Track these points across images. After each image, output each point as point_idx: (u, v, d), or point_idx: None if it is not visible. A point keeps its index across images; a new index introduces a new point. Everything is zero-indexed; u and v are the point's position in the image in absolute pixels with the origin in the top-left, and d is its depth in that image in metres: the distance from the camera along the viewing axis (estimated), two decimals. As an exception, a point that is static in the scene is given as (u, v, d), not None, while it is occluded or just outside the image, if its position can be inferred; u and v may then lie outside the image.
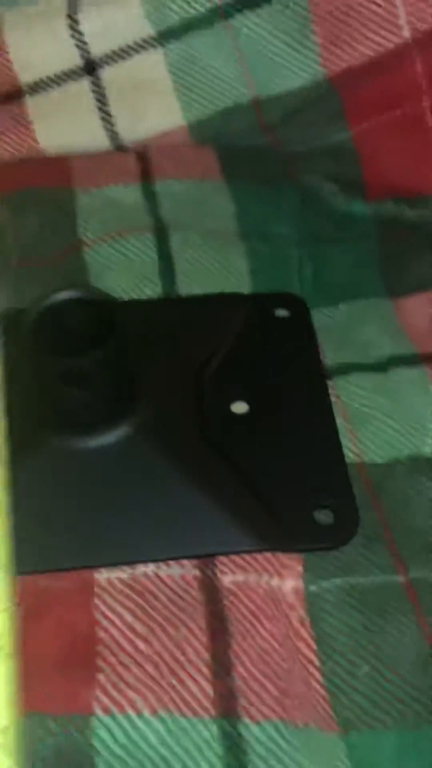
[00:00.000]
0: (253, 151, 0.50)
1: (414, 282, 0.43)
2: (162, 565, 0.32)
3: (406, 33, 0.44)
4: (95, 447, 0.34)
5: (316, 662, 0.30)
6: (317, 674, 0.30)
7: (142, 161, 0.49)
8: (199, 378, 0.38)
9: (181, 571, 0.31)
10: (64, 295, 0.33)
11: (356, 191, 0.48)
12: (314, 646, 0.30)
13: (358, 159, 0.49)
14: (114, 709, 0.27)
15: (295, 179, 0.49)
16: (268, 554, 0.32)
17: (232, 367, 0.39)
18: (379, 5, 0.43)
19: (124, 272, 0.43)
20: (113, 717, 0.27)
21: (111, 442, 0.34)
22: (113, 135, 0.50)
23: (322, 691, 0.29)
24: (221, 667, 0.29)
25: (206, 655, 0.29)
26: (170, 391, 0.37)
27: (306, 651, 0.30)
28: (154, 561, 0.32)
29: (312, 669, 0.30)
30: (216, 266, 0.43)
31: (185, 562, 0.32)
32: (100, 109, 0.50)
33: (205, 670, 0.28)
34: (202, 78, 0.49)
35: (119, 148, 0.51)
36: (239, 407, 0.37)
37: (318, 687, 0.29)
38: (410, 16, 0.43)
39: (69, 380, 0.32)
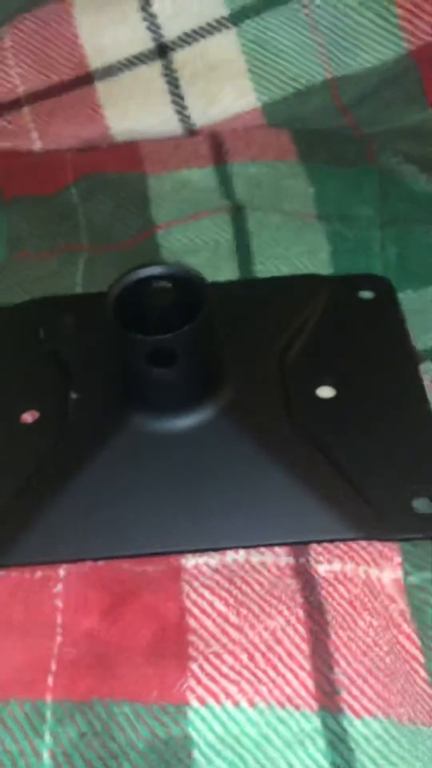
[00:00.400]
0: (329, 133, 0.49)
1: None
2: (253, 551, 0.30)
3: None
4: (180, 429, 0.33)
5: (420, 658, 0.28)
6: (422, 671, 0.28)
7: (215, 144, 0.48)
8: (282, 361, 0.36)
9: (274, 559, 0.30)
10: (148, 270, 0.32)
11: (438, 172, 0.46)
12: (417, 641, 0.28)
13: (439, 138, 0.48)
14: (209, 699, 0.26)
15: (373, 161, 0.47)
16: (364, 543, 0.30)
17: (316, 350, 0.37)
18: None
19: (199, 255, 0.42)
20: (209, 708, 0.26)
21: (195, 423, 0.33)
22: (185, 119, 0.49)
23: (428, 689, 0.27)
24: (321, 659, 0.27)
25: (305, 647, 0.27)
26: (253, 374, 0.35)
27: (408, 646, 0.28)
28: (244, 548, 0.30)
29: (416, 665, 0.28)
30: (296, 248, 0.42)
31: (277, 549, 0.30)
32: (171, 92, 0.49)
33: (304, 661, 0.27)
34: (277, 58, 0.48)
35: (191, 132, 0.50)
36: (325, 391, 0.36)
37: (423, 684, 0.27)
38: None
39: (155, 360, 0.31)
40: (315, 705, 0.26)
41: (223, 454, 0.32)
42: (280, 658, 0.27)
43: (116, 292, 0.31)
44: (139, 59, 0.49)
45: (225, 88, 0.49)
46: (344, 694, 0.26)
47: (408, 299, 0.40)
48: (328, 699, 0.26)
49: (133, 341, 0.30)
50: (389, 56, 0.46)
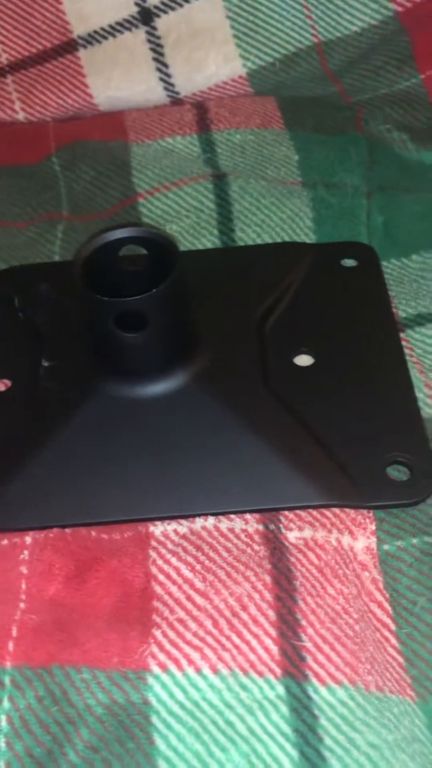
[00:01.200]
0: (317, 100, 0.48)
1: None
2: (223, 518, 0.29)
3: None
4: (152, 395, 0.32)
5: (391, 626, 0.27)
6: (392, 638, 0.27)
7: (200, 112, 0.47)
8: (260, 328, 0.36)
9: (243, 526, 0.29)
10: (117, 233, 0.31)
11: (428, 139, 0.45)
12: (389, 609, 0.27)
13: (429, 105, 0.46)
14: (171, 665, 0.25)
15: (362, 128, 0.46)
16: (337, 510, 0.30)
17: (295, 317, 0.36)
18: None
19: (180, 222, 0.41)
20: (170, 674, 0.25)
21: (168, 390, 0.32)
22: (169, 87, 0.48)
23: (399, 657, 0.27)
24: (288, 626, 0.26)
25: (271, 613, 0.26)
26: (230, 341, 0.35)
27: (379, 614, 0.27)
28: (214, 514, 0.29)
29: (386, 633, 0.27)
30: (277, 215, 0.41)
31: (248, 516, 0.29)
32: (156, 60, 0.48)
33: (269, 628, 0.26)
34: (263, 22, 0.47)
35: (176, 101, 0.49)
36: (303, 359, 0.35)
37: (393, 652, 0.27)
38: None
39: (124, 324, 0.30)
40: (279, 672, 0.25)
41: (196, 421, 0.32)
42: (245, 625, 0.26)
43: (85, 255, 0.30)
44: (123, 26, 0.48)
45: (210, 55, 0.47)
46: (310, 661, 0.26)
47: (392, 267, 0.39)
48: (293, 666, 0.25)
49: (101, 304, 0.29)
50: (377, 19, 0.44)
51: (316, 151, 0.44)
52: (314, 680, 0.25)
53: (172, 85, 0.48)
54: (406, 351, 0.35)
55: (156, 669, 0.25)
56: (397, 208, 0.42)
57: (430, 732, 0.25)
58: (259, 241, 0.40)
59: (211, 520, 0.29)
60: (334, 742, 0.24)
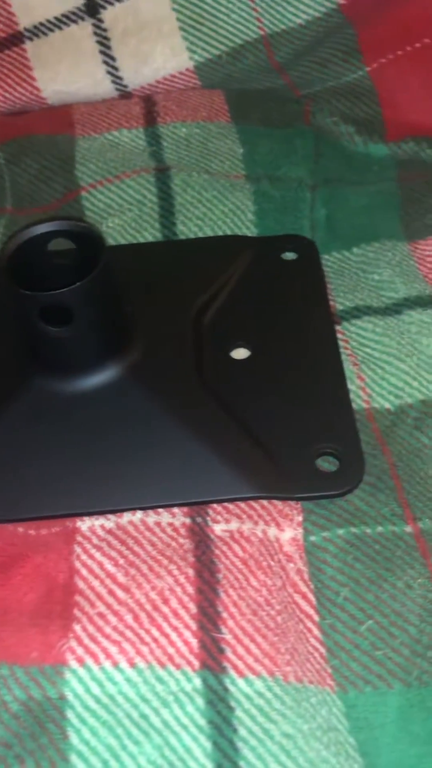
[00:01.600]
0: (266, 93, 0.48)
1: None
2: (151, 513, 0.29)
3: None
4: (83, 389, 0.32)
5: (315, 617, 0.27)
6: (315, 629, 0.27)
7: (147, 105, 0.47)
8: (198, 322, 0.36)
9: (170, 519, 0.29)
10: (44, 227, 0.31)
11: (374, 132, 0.45)
12: (313, 600, 0.28)
13: (376, 97, 0.46)
14: (89, 660, 0.25)
15: (310, 121, 0.46)
16: (265, 503, 0.30)
17: (233, 311, 0.36)
18: None
19: (123, 216, 0.41)
20: (87, 668, 0.25)
21: (98, 384, 0.32)
22: (117, 80, 0.48)
23: (320, 648, 0.27)
24: (208, 618, 0.26)
25: (192, 606, 0.27)
26: (166, 334, 0.35)
27: (303, 605, 0.28)
28: (143, 509, 0.29)
29: (309, 624, 0.27)
30: (219, 208, 0.41)
31: (176, 510, 0.29)
32: (103, 52, 0.48)
33: (189, 621, 0.26)
34: (209, 15, 0.47)
35: (125, 94, 0.48)
36: (240, 353, 0.35)
37: (315, 643, 0.27)
38: None
39: (49, 317, 0.30)
40: (197, 664, 0.25)
41: (128, 415, 0.32)
42: (165, 618, 0.26)
43: (11, 249, 0.30)
44: (69, 18, 0.48)
45: (157, 48, 0.47)
46: (228, 653, 0.26)
47: (333, 260, 0.39)
48: (211, 658, 0.25)
49: (24, 298, 0.29)
50: (321, 11, 0.44)
51: (262, 144, 0.44)
52: (232, 672, 0.25)
53: (120, 78, 0.48)
54: (342, 343, 0.35)
55: (74, 663, 0.25)
56: (341, 201, 0.42)
57: (348, 721, 0.25)
58: (200, 235, 0.40)
59: (138, 515, 0.29)
60: (249, 733, 0.24)
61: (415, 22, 0.44)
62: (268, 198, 0.41)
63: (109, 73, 0.48)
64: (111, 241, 0.40)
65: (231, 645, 0.26)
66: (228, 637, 0.26)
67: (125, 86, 0.48)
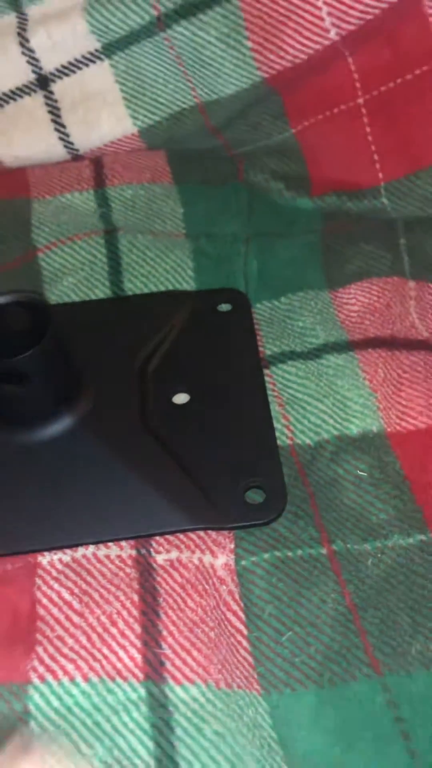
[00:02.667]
0: (203, 153, 0.53)
1: (351, 272, 0.45)
2: (102, 546, 0.34)
3: (333, 35, 0.46)
4: (39, 439, 0.36)
5: (244, 631, 0.32)
6: (244, 642, 0.32)
7: (96, 168, 0.52)
8: (143, 371, 0.40)
9: (119, 552, 0.34)
10: (1, 299, 0.35)
11: (301, 187, 0.51)
12: (242, 616, 0.32)
13: (301, 156, 0.52)
14: (49, 677, 0.30)
15: (243, 179, 0.51)
16: (202, 533, 0.34)
17: (175, 359, 0.41)
18: (304, 10, 0.45)
19: (77, 275, 0.45)
20: (48, 684, 0.29)
21: (53, 434, 0.36)
22: (69, 145, 0.53)
23: (248, 657, 0.31)
24: (150, 636, 0.31)
25: (137, 627, 0.31)
26: (114, 384, 0.39)
27: (234, 621, 0.32)
28: (95, 543, 0.34)
29: (239, 637, 0.32)
30: (161, 266, 0.45)
31: (123, 543, 0.34)
32: (54, 121, 0.52)
33: (134, 639, 0.31)
34: (149, 86, 0.51)
35: (76, 157, 0.53)
36: (180, 398, 0.39)
37: (244, 653, 0.31)
38: (333, 18, 0.45)
39: (6, 379, 0.34)
40: (141, 676, 0.30)
41: (80, 461, 0.36)
42: (114, 638, 0.31)
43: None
44: (22, 90, 0.52)
45: (102, 116, 0.52)
46: (168, 666, 0.30)
47: (263, 309, 0.44)
48: (153, 670, 0.30)
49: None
50: (247, 83, 0.49)
51: (200, 203, 0.49)
52: (171, 681, 0.30)
53: (71, 143, 0.53)
54: (269, 386, 0.40)
55: (36, 680, 0.30)
56: (271, 253, 0.47)
57: (271, 719, 0.30)
58: (145, 290, 0.45)
59: (91, 549, 0.34)
60: (184, 733, 0.29)
61: (333, 90, 0.49)
62: (205, 254, 0.46)
63: (60, 138, 0.53)
64: (66, 299, 0.45)
65: (170, 658, 0.30)
66: (168, 651, 0.30)
67: (76, 150, 0.53)
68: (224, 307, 0.44)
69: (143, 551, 0.34)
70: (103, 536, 0.34)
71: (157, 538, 0.34)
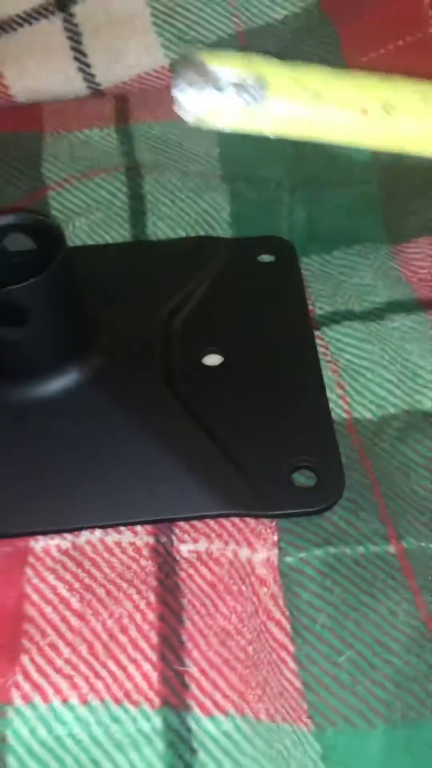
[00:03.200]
0: (243, 93, 0.46)
1: (417, 225, 0.38)
2: (112, 531, 0.27)
3: None
4: (39, 396, 0.29)
5: (290, 647, 0.25)
6: (290, 660, 0.25)
7: (120, 104, 0.45)
8: (168, 326, 0.33)
9: (132, 539, 0.27)
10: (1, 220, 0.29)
11: (356, 133, 0.44)
12: (287, 628, 0.25)
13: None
14: (36, 697, 0.23)
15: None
16: (237, 520, 0.27)
17: (206, 314, 0.34)
18: None
19: (91, 216, 0.38)
20: (34, 706, 0.22)
21: (56, 390, 0.29)
22: (89, 77, 0.46)
23: (296, 681, 0.24)
24: (170, 649, 0.24)
25: (153, 635, 0.24)
26: (133, 338, 0.32)
27: (277, 633, 0.25)
28: (102, 527, 0.27)
29: (284, 654, 0.25)
30: (193, 208, 0.38)
31: (139, 528, 0.27)
32: (74, 48, 0.46)
33: (150, 652, 0.24)
34: (184, 11, 0.45)
35: (97, 93, 0.46)
36: (212, 359, 0.32)
37: (290, 675, 0.24)
38: None
39: (3, 318, 0.27)
40: (157, 701, 0.23)
41: (87, 425, 0.29)
42: (124, 649, 0.24)
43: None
44: (39, 12, 0.46)
45: (130, 44, 0.45)
46: (193, 689, 0.23)
47: (312, 264, 0.37)
48: (174, 694, 0.23)
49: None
50: (300, 6, 0.43)
51: (239, 145, 0.42)
52: (197, 710, 0.23)
53: (92, 75, 0.46)
54: (321, 349, 0.33)
55: (18, 701, 0.22)
56: (321, 202, 0.40)
57: (325, 764, 0.23)
58: (172, 236, 0.38)
59: (97, 534, 0.27)
60: (213, 780, 0.21)
61: (399, 18, 0.42)
62: (245, 199, 0.39)
63: (80, 70, 0.46)
64: (78, 242, 0.38)
65: (196, 679, 0.23)
66: (193, 670, 0.23)
67: (98, 84, 0.46)
68: (266, 257, 0.37)
69: (164, 539, 0.27)
70: (113, 518, 0.27)
71: (182, 523, 0.27)
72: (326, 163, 0.43)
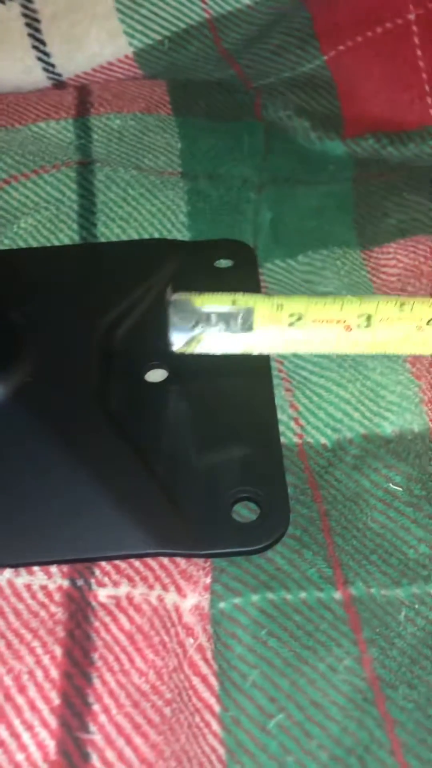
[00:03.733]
0: (214, 84, 0.43)
1: (390, 228, 0.35)
2: (23, 572, 0.24)
3: None
4: None
5: (215, 707, 0.22)
6: (215, 724, 0.22)
7: (81, 95, 0.42)
8: (109, 338, 0.30)
9: (44, 581, 0.24)
10: None
11: (331, 127, 0.40)
12: (215, 685, 0.22)
13: (333, 88, 0.42)
14: None
15: (261, 116, 0.41)
16: (166, 561, 0.24)
17: (153, 326, 0.31)
18: None
19: (38, 215, 0.35)
20: None
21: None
22: (49, 67, 0.43)
23: (219, 748, 0.21)
24: (73, 713, 0.21)
25: (55, 696, 0.21)
26: (68, 351, 0.30)
27: (203, 691, 0.22)
28: (12, 566, 0.24)
29: (208, 716, 0.22)
30: (146, 207, 0.36)
31: (54, 569, 0.24)
32: (32, 36, 0.43)
33: (49, 716, 0.21)
34: (148, -5, 0.42)
35: (59, 84, 0.44)
36: (155, 375, 0.30)
37: (214, 741, 0.21)
38: None
39: None
40: (52, 777, 0.20)
41: (5, 448, 0.27)
42: (20, 713, 0.21)
43: None
44: (-5, -3, 0.43)
45: (91, 32, 0.42)
46: (95, 761, 0.20)
47: (275, 269, 0.34)
48: None
49: None
50: (270, -10, 0.40)
51: (203, 139, 0.39)
52: (97, 788, 0.20)
53: (52, 65, 0.43)
54: (275, 365, 0.30)
55: None
56: (290, 202, 0.37)
57: None
58: (123, 238, 0.35)
59: (6, 574, 0.24)
60: None
61: (377, 4, 0.39)
62: (205, 197, 0.36)
63: (39, 59, 0.43)
64: (21, 243, 0.35)
65: (99, 749, 0.20)
66: (97, 738, 0.20)
67: (58, 75, 0.43)
68: (223, 263, 0.34)
69: (80, 583, 0.24)
70: (23, 557, 0.24)
71: (104, 564, 0.24)
72: (297, 161, 0.40)
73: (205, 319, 0.28)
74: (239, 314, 0.28)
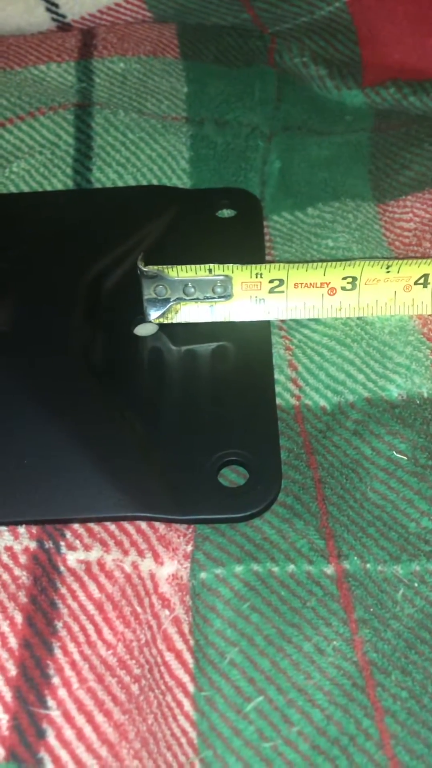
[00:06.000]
0: (226, 28, 0.40)
1: (408, 181, 0.33)
2: (-11, 531, 0.22)
3: None
4: None
5: (189, 686, 0.20)
6: (187, 704, 0.20)
7: (85, 38, 0.39)
8: (96, 288, 0.28)
9: (11, 542, 0.22)
10: None
11: (350, 75, 0.38)
12: (190, 662, 0.20)
13: (353, 34, 0.39)
14: None
15: (275, 62, 0.39)
16: (144, 525, 0.22)
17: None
18: None
19: (32, 159, 0.33)
20: None
21: None
22: (53, 7, 0.41)
23: (191, 731, 0.19)
24: (31, 685, 0.19)
25: (11, 667, 0.19)
26: (53, 301, 0.27)
27: (176, 668, 0.20)
28: (-22, 525, 0.22)
29: (180, 695, 0.20)
30: (145, 152, 0.33)
31: (22, 530, 0.22)
32: (35, -27, 0.40)
33: (4, 689, 0.19)
34: None
35: (63, 27, 0.41)
36: (144, 328, 0.27)
37: (185, 724, 0.19)
38: None
39: None
40: (3, 753, 0.18)
41: (-20, 400, 0.25)
42: (-29, 684, 0.19)
43: None
44: None
45: (98, -33, 0.40)
46: (50, 738, 0.18)
47: (281, 221, 0.32)
48: (24, 746, 0.18)
49: None
50: None
51: (212, 84, 0.37)
52: (51, 767, 0.18)
53: (56, 5, 0.41)
54: (275, 323, 0.28)
55: None
56: (301, 152, 0.35)
57: None
58: (119, 183, 0.33)
59: (-30, 533, 0.22)
60: None
61: None
62: (209, 143, 0.34)
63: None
64: (13, 188, 0.33)
65: (57, 726, 0.18)
66: (55, 714, 0.19)
67: (63, 16, 0.41)
68: (226, 212, 0.31)
69: (48, 545, 0.22)
70: (-8, 516, 0.22)
71: (75, 527, 0.22)
72: (311, 110, 0.37)
73: (181, 288, 0.26)
74: (216, 282, 0.26)
